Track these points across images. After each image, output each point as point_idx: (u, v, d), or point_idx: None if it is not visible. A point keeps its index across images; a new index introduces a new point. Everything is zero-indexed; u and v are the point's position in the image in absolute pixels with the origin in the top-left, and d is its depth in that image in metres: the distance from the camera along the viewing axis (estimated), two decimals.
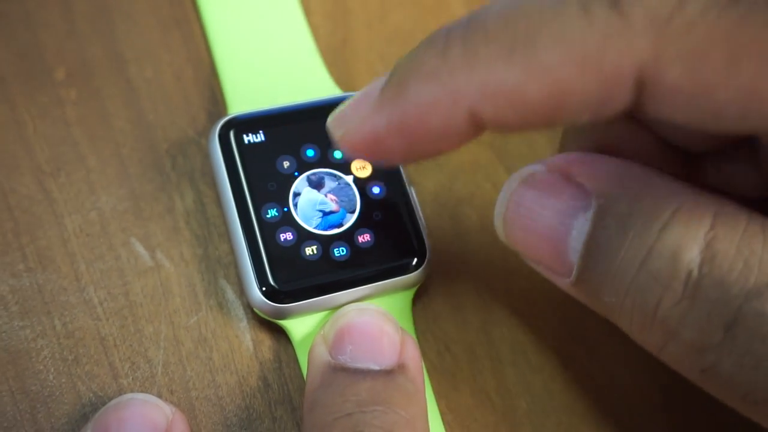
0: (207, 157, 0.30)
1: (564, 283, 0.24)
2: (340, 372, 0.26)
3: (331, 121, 0.24)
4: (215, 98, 0.32)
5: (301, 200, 0.29)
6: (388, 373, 0.26)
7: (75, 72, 0.31)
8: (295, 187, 0.29)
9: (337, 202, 0.29)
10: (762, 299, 0.20)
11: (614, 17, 0.19)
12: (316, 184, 0.29)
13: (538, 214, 0.23)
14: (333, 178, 0.29)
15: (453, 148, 0.23)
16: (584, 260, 0.23)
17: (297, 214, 0.28)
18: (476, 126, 0.22)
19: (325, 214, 0.29)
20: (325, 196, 0.29)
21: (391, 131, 0.22)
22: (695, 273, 0.21)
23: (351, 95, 0.30)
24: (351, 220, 0.29)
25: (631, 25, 0.19)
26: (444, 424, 0.28)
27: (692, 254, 0.21)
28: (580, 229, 0.23)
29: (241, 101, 0.30)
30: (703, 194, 0.22)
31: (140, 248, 0.29)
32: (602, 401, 0.29)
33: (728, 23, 0.19)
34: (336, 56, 0.33)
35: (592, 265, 0.22)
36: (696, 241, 0.21)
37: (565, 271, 0.23)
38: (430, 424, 0.26)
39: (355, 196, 0.29)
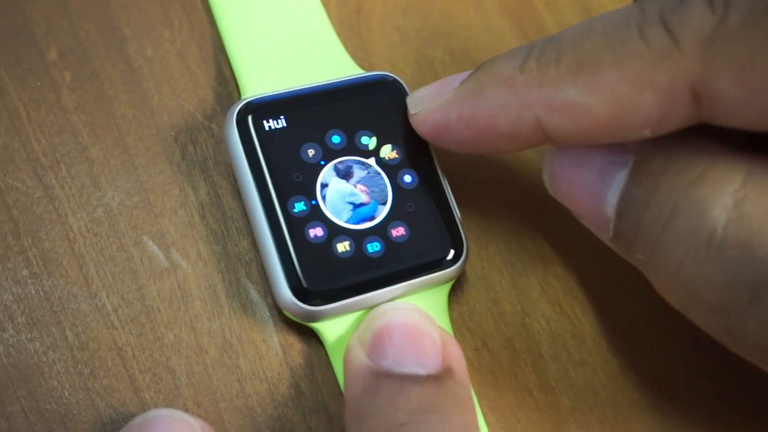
0: (220, 144, 0.28)
1: (605, 237, 0.24)
2: (385, 378, 0.24)
3: (410, 99, 0.27)
4: (223, 77, 0.29)
5: (329, 192, 0.26)
6: (437, 379, 0.24)
7: (68, 52, 0.28)
8: (323, 178, 0.26)
9: (367, 193, 0.27)
10: None
11: (666, 40, 0.21)
12: (345, 174, 0.27)
13: (580, 170, 0.24)
14: (362, 166, 0.27)
15: (512, 150, 0.25)
16: (618, 216, 0.23)
17: (326, 208, 0.26)
18: (540, 134, 0.23)
19: (355, 206, 0.26)
20: (355, 186, 0.27)
21: (461, 123, 0.25)
22: (719, 232, 0.20)
23: (374, 74, 0.28)
24: (383, 212, 0.26)
25: (680, 46, 0.21)
26: (487, 425, 0.26)
27: (717, 213, 0.21)
28: (617, 185, 0.23)
29: (255, 82, 0.28)
30: (741, 153, 0.21)
31: (153, 247, 0.26)
32: (646, 394, 0.28)
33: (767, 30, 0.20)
34: (350, 29, 0.31)
35: (625, 220, 0.23)
36: (722, 199, 0.21)
37: (604, 225, 0.24)
38: None
39: (386, 185, 0.27)
